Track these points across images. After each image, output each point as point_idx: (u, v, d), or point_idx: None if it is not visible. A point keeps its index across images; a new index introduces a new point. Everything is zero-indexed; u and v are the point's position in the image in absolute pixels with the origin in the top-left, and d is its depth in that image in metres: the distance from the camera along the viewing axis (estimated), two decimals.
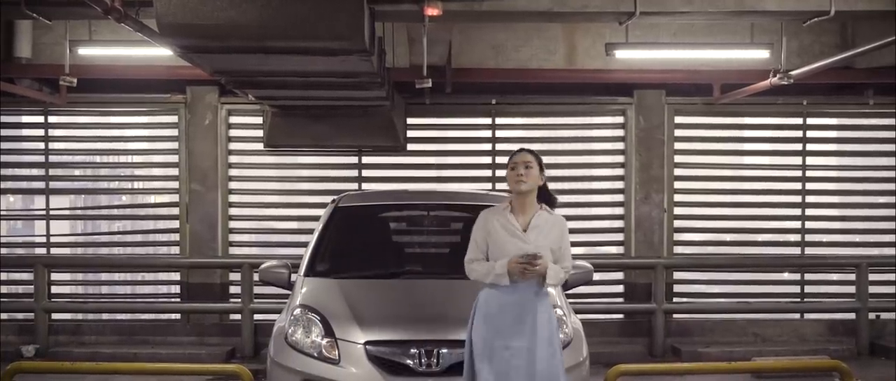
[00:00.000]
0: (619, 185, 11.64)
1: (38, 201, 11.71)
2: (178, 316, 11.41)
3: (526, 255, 5.40)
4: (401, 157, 11.55)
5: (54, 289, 11.33)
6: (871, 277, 10.78)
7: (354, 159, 11.58)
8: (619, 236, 11.63)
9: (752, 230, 11.88)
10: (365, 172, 11.64)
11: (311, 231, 7.89)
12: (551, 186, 5.82)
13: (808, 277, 11.75)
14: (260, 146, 11.37)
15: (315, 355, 6.17)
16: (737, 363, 8.07)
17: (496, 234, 5.59)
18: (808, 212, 11.71)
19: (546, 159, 5.78)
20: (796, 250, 11.72)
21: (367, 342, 6.07)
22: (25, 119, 11.78)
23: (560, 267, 5.60)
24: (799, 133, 11.69)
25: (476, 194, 9.27)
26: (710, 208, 11.74)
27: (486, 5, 7.98)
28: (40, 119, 11.47)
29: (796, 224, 11.73)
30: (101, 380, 7.80)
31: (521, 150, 5.74)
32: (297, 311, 6.49)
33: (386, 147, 11.29)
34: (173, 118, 11.45)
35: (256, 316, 10.41)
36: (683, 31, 10.93)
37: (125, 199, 12.78)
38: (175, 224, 11.48)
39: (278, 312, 7.04)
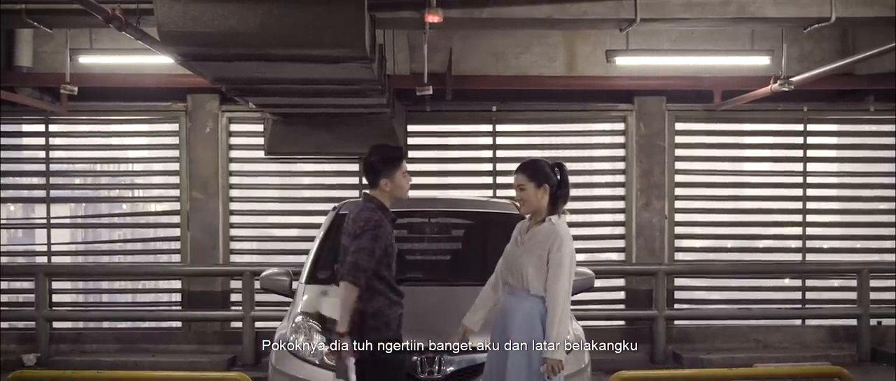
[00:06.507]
0: (620, 191, 11.63)
1: (39, 210, 11.71)
2: (179, 324, 11.37)
3: None
4: None
5: (55, 298, 11.30)
6: (873, 283, 10.79)
7: (355, 167, 11.56)
8: (621, 243, 11.61)
9: (753, 237, 11.86)
10: (366, 180, 11.59)
11: (312, 239, 7.89)
12: None
13: (809, 283, 11.73)
14: (261, 154, 11.36)
15: (317, 362, 6.17)
16: (738, 369, 8.09)
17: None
18: (809, 218, 11.68)
19: None
20: (797, 257, 11.69)
21: None
22: (26, 128, 11.78)
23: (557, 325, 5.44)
24: (800, 139, 11.67)
25: (477, 201, 9.30)
26: (711, 215, 11.72)
27: (487, 12, 7.98)
28: (41, 128, 11.46)
29: (797, 230, 11.70)
30: None
31: (516, 171, 5.79)
32: (299, 318, 6.48)
33: None
34: (174, 126, 11.45)
35: (257, 324, 10.39)
36: (684, 37, 10.93)
37: (126, 207, 12.75)
38: (176, 232, 11.47)
39: (279, 320, 7.03)
